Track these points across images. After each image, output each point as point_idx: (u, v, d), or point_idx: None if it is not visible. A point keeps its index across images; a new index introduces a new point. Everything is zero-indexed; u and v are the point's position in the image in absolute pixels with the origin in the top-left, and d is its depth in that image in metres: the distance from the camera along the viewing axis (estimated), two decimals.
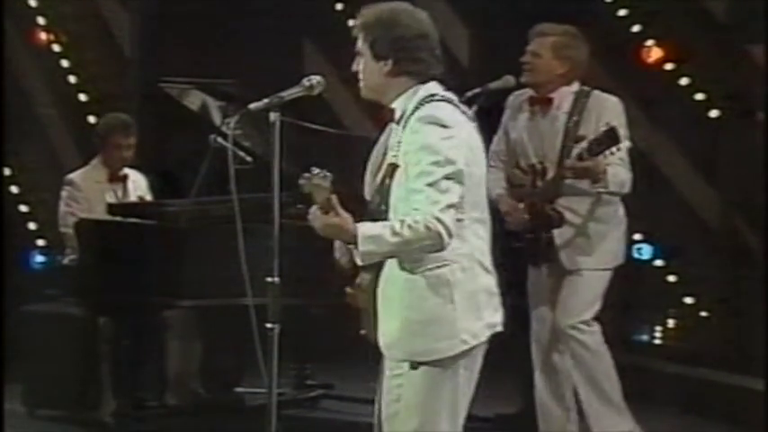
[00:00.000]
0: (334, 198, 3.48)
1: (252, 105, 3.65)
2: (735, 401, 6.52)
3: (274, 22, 8.39)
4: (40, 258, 8.46)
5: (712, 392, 6.67)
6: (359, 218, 3.55)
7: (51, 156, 8.83)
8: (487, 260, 3.60)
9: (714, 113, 7.34)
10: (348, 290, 3.67)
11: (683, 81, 7.38)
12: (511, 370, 6.45)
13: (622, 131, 5.27)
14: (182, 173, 6.34)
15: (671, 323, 7.49)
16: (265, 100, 3.63)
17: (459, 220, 3.50)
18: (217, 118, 6.33)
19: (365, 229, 3.47)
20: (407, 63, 3.59)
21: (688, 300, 7.40)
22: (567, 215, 5.38)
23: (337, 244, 3.76)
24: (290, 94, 3.67)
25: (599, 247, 5.39)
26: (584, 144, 5.25)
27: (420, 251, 3.47)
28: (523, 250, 5.47)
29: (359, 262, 3.49)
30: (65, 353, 6.20)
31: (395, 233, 3.43)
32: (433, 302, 3.51)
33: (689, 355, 7.07)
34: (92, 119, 8.51)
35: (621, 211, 5.49)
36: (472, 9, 8.24)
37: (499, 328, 3.61)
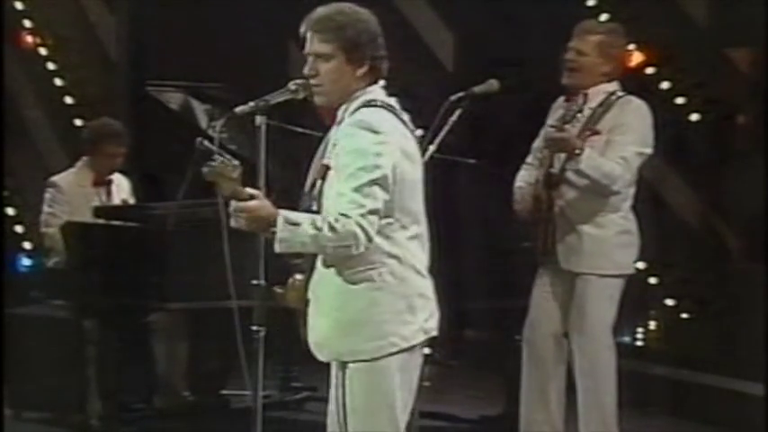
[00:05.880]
0: (242, 188, 3.43)
1: (238, 109, 3.64)
2: (716, 403, 6.57)
3: (260, 26, 8.42)
4: (26, 261, 8.47)
5: (693, 394, 6.72)
6: None
7: (37, 158, 8.85)
8: (421, 264, 3.56)
9: (695, 117, 7.39)
10: (277, 289, 3.65)
11: (664, 85, 7.43)
12: (494, 372, 6.51)
13: (637, 136, 5.22)
14: (168, 176, 6.36)
15: (652, 325, 7.53)
16: (251, 103, 3.62)
17: (388, 224, 3.47)
18: (203, 121, 6.35)
19: (287, 213, 3.43)
20: (378, 66, 3.54)
21: (669, 302, 7.45)
22: (567, 211, 5.27)
23: None
24: (276, 97, 3.66)
25: (594, 250, 5.26)
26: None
27: (335, 251, 3.43)
28: (530, 250, 5.36)
29: (276, 248, 3.43)
30: (51, 356, 6.20)
31: (315, 227, 3.40)
32: (361, 304, 3.49)
33: (670, 356, 7.12)
34: (78, 121, 8.55)
35: (628, 221, 5.32)
36: (457, 13, 8.27)
37: (434, 333, 3.57)
